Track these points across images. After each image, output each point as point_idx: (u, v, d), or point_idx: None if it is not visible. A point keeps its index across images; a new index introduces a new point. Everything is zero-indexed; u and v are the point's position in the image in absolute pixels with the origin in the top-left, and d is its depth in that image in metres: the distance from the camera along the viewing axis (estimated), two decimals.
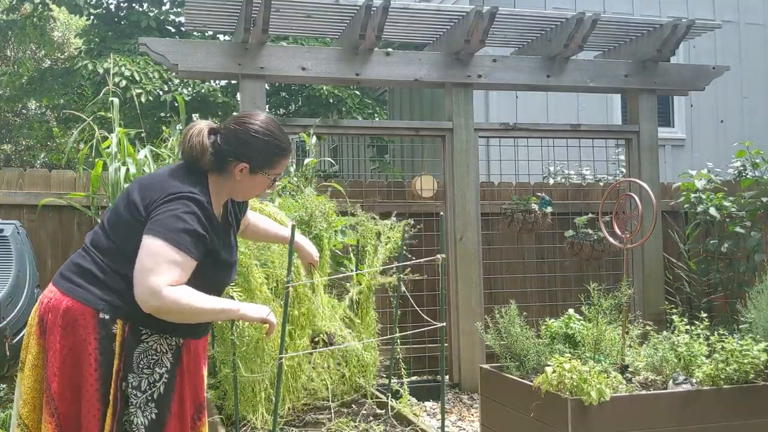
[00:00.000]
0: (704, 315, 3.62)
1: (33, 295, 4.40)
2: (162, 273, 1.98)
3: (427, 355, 5.79)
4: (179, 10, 10.39)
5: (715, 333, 3.44)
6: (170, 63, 4.98)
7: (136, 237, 2.04)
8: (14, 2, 11.42)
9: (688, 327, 3.50)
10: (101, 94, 5.43)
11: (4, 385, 4.44)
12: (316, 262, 2.76)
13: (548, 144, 6.52)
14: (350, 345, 3.65)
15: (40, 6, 11.09)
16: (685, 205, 6.12)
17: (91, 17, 10.55)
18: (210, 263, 2.16)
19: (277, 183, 2.31)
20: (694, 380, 3.27)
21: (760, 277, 4.15)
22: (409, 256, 3.89)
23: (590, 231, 5.69)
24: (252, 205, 2.92)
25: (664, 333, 3.58)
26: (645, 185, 3.83)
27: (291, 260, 2.46)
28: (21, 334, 4.21)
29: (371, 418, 3.66)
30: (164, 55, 4.95)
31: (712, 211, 5.84)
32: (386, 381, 3.84)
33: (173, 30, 10.35)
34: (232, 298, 3.16)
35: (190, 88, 9.74)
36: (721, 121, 9.14)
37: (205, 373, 2.35)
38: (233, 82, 9.47)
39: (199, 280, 2.09)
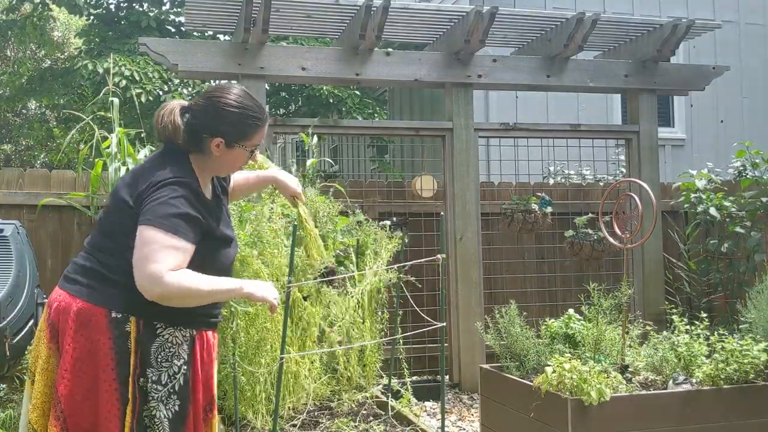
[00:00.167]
0: (704, 315, 3.62)
1: (33, 295, 4.39)
2: (160, 259, 1.98)
3: (427, 355, 5.79)
4: (179, 10, 10.39)
5: (715, 333, 3.44)
6: (170, 63, 4.98)
7: (132, 233, 2.05)
8: (14, 2, 11.43)
9: (688, 327, 3.50)
10: (101, 94, 5.43)
11: (4, 385, 4.44)
12: (299, 194, 2.66)
13: (548, 144, 6.51)
14: (351, 346, 3.65)
15: (40, 6, 11.09)
16: (685, 205, 6.12)
17: (91, 17, 10.55)
18: (210, 243, 2.16)
19: (254, 155, 2.27)
20: (694, 380, 3.27)
21: (760, 277, 4.15)
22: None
23: (590, 231, 5.68)
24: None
25: (664, 333, 3.58)
26: (645, 185, 3.83)
27: (292, 260, 2.46)
28: (21, 334, 4.21)
29: (371, 418, 3.66)
30: (164, 55, 4.95)
31: (712, 211, 5.84)
32: (386, 381, 3.84)
33: (173, 30, 10.35)
34: None
35: (190, 88, 9.74)
36: (721, 121, 9.14)
37: (216, 367, 2.34)
38: (233, 82, 9.47)
39: (204, 262, 2.10)
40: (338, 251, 4.15)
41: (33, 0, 11.01)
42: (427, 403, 5.07)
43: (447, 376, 5.45)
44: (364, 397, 3.81)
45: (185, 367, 2.12)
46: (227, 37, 6.98)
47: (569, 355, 3.28)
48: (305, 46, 6.61)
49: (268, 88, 8.56)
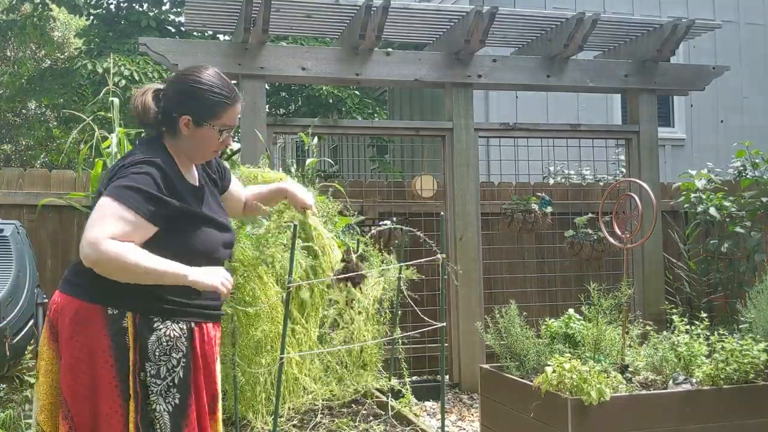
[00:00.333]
0: (704, 315, 3.62)
1: (33, 295, 4.39)
2: (103, 226, 1.98)
3: (427, 355, 5.79)
4: (179, 10, 10.39)
5: (715, 333, 3.44)
6: (170, 63, 4.98)
7: None
8: (14, 2, 11.43)
9: (688, 327, 3.50)
10: (101, 94, 5.42)
11: (4, 385, 4.44)
12: (310, 206, 2.66)
13: (548, 144, 6.51)
14: (351, 346, 3.65)
15: (40, 6, 11.09)
16: (685, 205, 6.12)
17: (91, 17, 10.55)
18: (186, 222, 2.15)
19: (226, 136, 2.23)
20: (694, 380, 3.27)
21: (760, 277, 4.15)
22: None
23: (590, 231, 5.68)
24: (250, 172, 2.93)
25: (664, 333, 3.58)
26: (645, 185, 3.83)
27: (292, 260, 2.46)
28: (21, 334, 4.21)
29: (371, 418, 3.66)
30: (164, 55, 4.95)
31: (712, 211, 5.84)
32: (386, 381, 3.84)
33: (173, 30, 10.35)
34: None
35: None
36: (721, 121, 9.14)
37: (219, 364, 2.34)
38: (233, 82, 9.47)
39: (178, 241, 2.11)
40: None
41: (33, 0, 11.01)
42: (427, 403, 5.07)
43: (447, 376, 5.45)
44: (364, 397, 3.81)
45: (184, 360, 2.12)
46: (227, 37, 6.99)
47: (569, 355, 3.28)
48: (305, 46, 6.61)
49: (268, 88, 8.56)
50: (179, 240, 2.13)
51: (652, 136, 5.95)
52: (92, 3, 10.46)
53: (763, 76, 9.29)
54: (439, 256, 3.12)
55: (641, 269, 5.85)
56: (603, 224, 3.88)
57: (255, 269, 3.33)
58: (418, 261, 3.36)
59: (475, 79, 5.56)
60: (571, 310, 3.71)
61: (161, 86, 2.26)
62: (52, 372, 2.15)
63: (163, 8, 10.58)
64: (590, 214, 5.72)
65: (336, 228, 3.86)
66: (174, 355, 2.10)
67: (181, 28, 10.18)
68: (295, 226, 2.52)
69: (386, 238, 5.28)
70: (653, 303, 5.81)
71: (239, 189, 2.63)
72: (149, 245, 2.08)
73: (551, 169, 7.35)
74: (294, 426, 3.57)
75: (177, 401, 2.09)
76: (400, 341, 3.74)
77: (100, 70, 8.61)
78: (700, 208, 5.95)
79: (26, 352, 4.49)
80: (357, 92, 9.89)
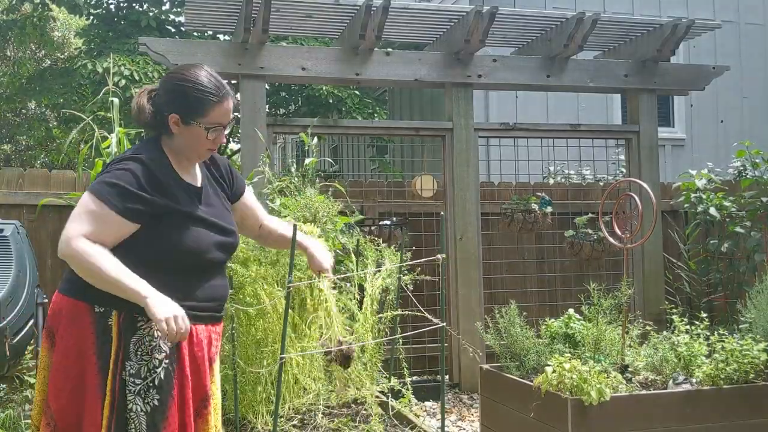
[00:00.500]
0: (704, 315, 3.62)
1: (33, 295, 4.39)
2: (80, 223, 2.03)
3: (427, 355, 5.79)
4: (179, 9, 10.39)
5: (715, 333, 3.44)
6: (170, 63, 4.98)
7: None
8: (14, 2, 11.43)
9: (688, 327, 3.50)
10: (101, 94, 5.42)
11: (4, 385, 4.44)
12: (326, 271, 2.54)
13: (548, 144, 6.51)
14: (351, 345, 3.65)
15: (40, 6, 11.08)
16: (685, 205, 6.12)
17: (91, 17, 10.54)
18: (174, 222, 2.14)
19: (216, 135, 2.21)
20: (694, 380, 3.26)
21: (760, 277, 4.15)
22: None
23: (590, 231, 5.68)
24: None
25: (664, 333, 3.58)
26: (645, 185, 3.83)
27: (292, 260, 2.46)
28: (21, 334, 4.20)
29: (371, 418, 3.66)
30: (164, 55, 4.95)
31: (712, 211, 5.84)
32: (386, 381, 3.84)
33: (173, 30, 10.35)
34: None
35: None
36: (721, 121, 9.14)
37: (218, 365, 2.32)
38: (233, 82, 9.49)
39: (168, 241, 2.11)
40: (337, 251, 4.15)
41: (33, 0, 11.00)
42: (427, 403, 5.07)
43: (447, 376, 5.45)
44: (364, 397, 3.81)
45: (167, 361, 2.09)
46: (227, 37, 6.99)
47: (569, 355, 3.28)
48: (305, 46, 6.60)
49: (268, 88, 8.56)
50: (163, 238, 2.12)
51: (652, 136, 5.95)
52: (92, 3, 10.45)
53: (763, 76, 9.29)
54: (439, 256, 3.12)
55: (641, 269, 5.85)
56: (603, 224, 3.88)
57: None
58: (418, 261, 3.36)
59: (475, 79, 5.56)
60: (571, 310, 3.70)
61: (156, 87, 2.27)
62: (44, 369, 2.17)
63: (163, 8, 10.58)
64: (590, 214, 5.72)
65: (336, 228, 3.86)
66: (156, 355, 2.08)
67: (181, 28, 10.18)
68: (294, 226, 2.51)
69: (386, 238, 5.28)
70: (653, 303, 5.81)
71: (256, 207, 2.56)
72: (131, 242, 2.08)
73: (551, 169, 7.35)
74: (294, 426, 3.57)
75: (156, 403, 2.07)
76: (400, 341, 3.74)
77: (100, 70, 8.61)
78: (700, 208, 5.95)
79: (26, 352, 4.49)
80: (357, 92, 9.88)
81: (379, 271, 3.67)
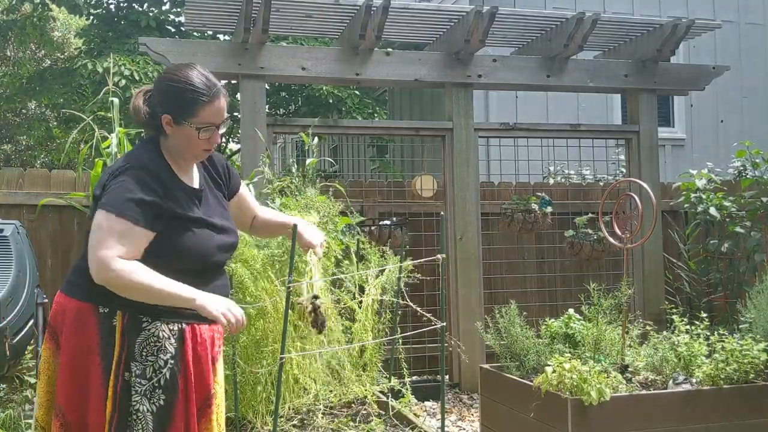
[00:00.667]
0: (704, 315, 3.62)
1: (33, 295, 4.39)
2: (111, 246, 2.01)
3: (427, 355, 5.79)
4: (179, 9, 10.39)
5: (715, 333, 3.44)
6: (170, 63, 4.97)
7: None
8: (14, 2, 11.42)
9: (688, 327, 3.50)
10: (101, 94, 5.42)
11: (4, 385, 4.44)
12: (314, 246, 2.52)
13: (548, 144, 6.51)
14: (351, 345, 3.65)
15: (40, 6, 11.08)
16: (685, 205, 6.12)
17: (91, 17, 10.54)
18: (178, 225, 2.14)
19: (209, 135, 2.19)
20: (694, 380, 3.27)
21: (760, 277, 4.15)
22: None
23: (590, 231, 5.68)
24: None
25: (664, 333, 3.58)
26: (645, 185, 3.83)
27: (292, 260, 2.46)
28: (21, 334, 4.20)
29: (371, 418, 3.66)
30: (164, 55, 4.95)
31: (712, 211, 5.84)
32: (386, 381, 3.84)
33: (173, 30, 10.35)
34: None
35: None
36: (721, 121, 9.14)
37: (221, 364, 2.32)
38: (233, 82, 9.50)
39: (169, 244, 2.10)
40: (338, 251, 4.15)
41: (33, 0, 11.00)
42: (427, 403, 5.07)
43: (447, 376, 5.45)
44: (364, 397, 3.81)
45: (172, 362, 2.10)
46: (227, 37, 6.99)
47: (569, 355, 3.28)
48: (305, 46, 6.61)
49: (268, 88, 8.57)
50: (167, 242, 2.12)
51: (652, 136, 5.95)
52: (92, 3, 10.45)
53: (763, 76, 9.29)
54: (439, 256, 3.12)
55: (641, 269, 5.85)
56: (603, 224, 3.88)
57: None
58: (418, 261, 3.36)
59: (475, 79, 5.56)
60: (571, 310, 3.70)
61: (152, 88, 2.27)
62: (48, 370, 2.17)
63: (163, 8, 10.57)
64: (590, 214, 5.72)
65: (336, 228, 3.86)
66: (161, 356, 2.10)
67: (181, 28, 10.18)
68: (295, 226, 2.51)
69: (386, 238, 5.28)
70: (653, 303, 5.81)
71: (250, 200, 2.58)
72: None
73: (551, 169, 7.35)
74: (294, 426, 3.57)
75: (162, 402, 2.08)
76: (400, 341, 3.74)
77: (100, 70, 8.61)
78: (700, 208, 5.95)
79: (26, 352, 4.49)
80: (357, 92, 9.88)
81: (381, 272, 3.68)
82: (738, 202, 5.90)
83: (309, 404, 3.62)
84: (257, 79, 5.17)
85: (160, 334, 2.10)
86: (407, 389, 3.78)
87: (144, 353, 2.08)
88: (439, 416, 3.64)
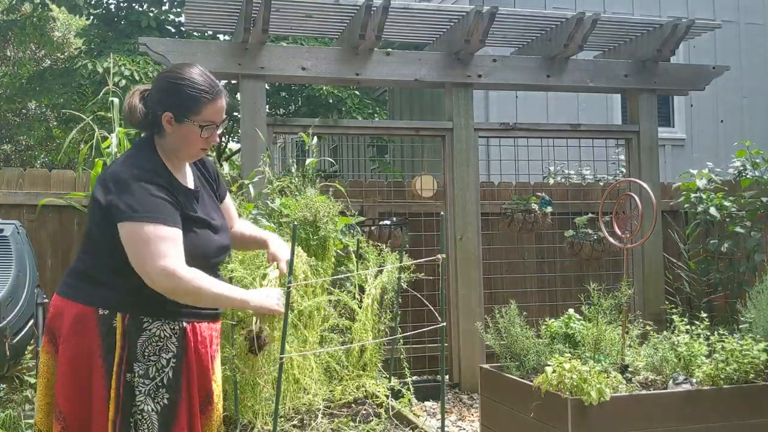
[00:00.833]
0: (704, 315, 3.62)
1: (33, 295, 4.39)
2: (165, 254, 2.02)
3: (427, 355, 5.79)
4: (179, 10, 10.40)
5: (715, 333, 3.44)
6: (170, 63, 4.98)
7: (107, 231, 2.07)
8: (14, 2, 11.42)
9: (688, 327, 3.49)
10: (101, 94, 5.42)
11: (4, 385, 4.44)
12: (279, 260, 2.48)
13: (548, 144, 6.52)
14: (351, 345, 3.65)
15: (40, 6, 11.08)
16: (685, 205, 6.12)
17: (91, 17, 10.55)
18: (185, 226, 2.14)
19: (210, 133, 2.20)
20: (694, 380, 3.26)
21: (760, 277, 4.15)
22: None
23: (590, 231, 5.69)
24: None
25: (664, 333, 3.58)
26: (645, 185, 3.83)
27: (292, 260, 2.45)
28: (21, 334, 4.20)
29: (371, 418, 3.66)
30: (164, 55, 4.95)
31: (712, 210, 5.84)
32: (386, 381, 3.84)
33: (173, 30, 10.36)
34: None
35: None
36: (721, 121, 9.14)
37: (218, 362, 2.33)
38: (233, 82, 9.50)
39: (184, 249, 2.09)
40: (337, 250, 4.15)
41: (33, 0, 11.00)
42: (427, 403, 5.07)
43: (447, 376, 5.45)
44: (364, 397, 3.81)
45: (174, 361, 2.11)
46: (227, 37, 6.99)
47: (569, 355, 3.28)
48: (305, 46, 6.61)
49: (268, 88, 8.57)
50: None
51: (652, 136, 5.95)
52: (92, 3, 10.45)
53: (763, 76, 9.29)
54: (439, 256, 3.12)
55: (641, 269, 5.86)
56: (603, 224, 3.88)
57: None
58: (418, 261, 3.36)
59: (475, 79, 5.56)
60: (571, 310, 3.70)
61: (148, 87, 2.26)
62: (47, 373, 2.17)
63: (163, 8, 10.58)
64: (590, 214, 5.72)
65: (337, 228, 3.86)
66: (164, 355, 2.10)
67: (181, 28, 10.18)
68: (294, 225, 2.51)
69: (386, 238, 5.28)
70: (653, 303, 5.81)
71: (233, 212, 2.58)
72: None
73: (551, 169, 7.35)
74: (294, 426, 3.57)
75: (166, 401, 2.09)
76: (400, 341, 3.74)
77: (100, 70, 8.61)
78: (700, 208, 5.95)
79: (26, 352, 4.49)
80: (357, 92, 9.89)
81: (379, 271, 3.68)
82: (738, 202, 5.90)
83: (309, 404, 3.61)
84: (257, 79, 5.17)
85: (162, 334, 2.10)
86: (408, 389, 3.77)
87: (146, 353, 2.09)
88: (439, 416, 3.64)
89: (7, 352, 4.00)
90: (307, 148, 5.04)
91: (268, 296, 2.25)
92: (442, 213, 3.37)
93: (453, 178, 5.52)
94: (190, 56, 4.97)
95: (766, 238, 5.69)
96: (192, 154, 2.26)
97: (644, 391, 3.22)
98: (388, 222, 5.55)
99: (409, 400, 3.80)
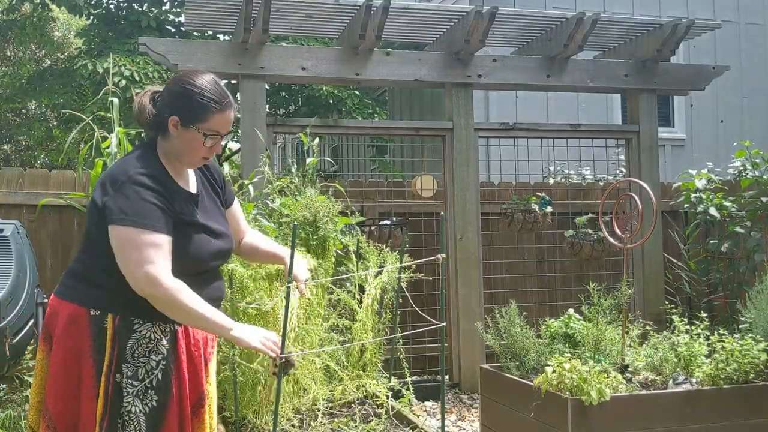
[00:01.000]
0: (704, 315, 3.62)
1: (33, 295, 4.39)
2: (152, 259, 2.02)
3: (427, 355, 5.79)
4: (179, 10, 10.39)
5: (715, 333, 3.44)
6: (170, 63, 4.98)
7: (105, 232, 2.08)
8: (14, 2, 11.42)
9: (688, 327, 3.50)
10: (101, 94, 5.43)
11: (4, 385, 4.44)
12: (300, 281, 2.50)
13: (548, 144, 6.52)
14: (351, 344, 3.65)
15: (40, 6, 11.08)
16: (685, 205, 6.12)
17: (91, 17, 10.54)
18: (179, 230, 2.14)
19: (213, 143, 2.20)
20: (694, 380, 3.27)
21: (760, 277, 4.15)
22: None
23: (590, 231, 5.68)
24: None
25: (664, 333, 3.58)
26: (645, 185, 3.83)
27: (292, 260, 2.45)
28: (21, 334, 4.20)
29: (371, 418, 3.66)
30: (164, 55, 4.95)
31: (712, 211, 5.84)
32: (386, 381, 3.84)
33: (173, 30, 10.35)
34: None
35: None
36: (721, 121, 9.14)
37: (213, 365, 2.33)
38: (233, 82, 9.50)
39: (173, 250, 2.10)
40: (337, 251, 4.16)
41: (33, 0, 11.00)
42: (427, 403, 5.07)
43: (447, 376, 5.45)
44: (364, 397, 3.81)
45: (164, 363, 2.11)
46: (227, 37, 6.99)
47: (569, 355, 3.28)
48: (305, 46, 6.61)
49: (268, 88, 8.57)
50: (176, 250, 2.12)
51: (652, 136, 5.95)
52: (92, 3, 10.44)
53: (763, 76, 9.29)
54: (439, 256, 3.12)
55: (641, 269, 5.86)
56: (603, 224, 3.88)
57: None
58: (418, 261, 3.36)
59: (475, 79, 5.56)
60: (571, 310, 3.70)
61: (161, 89, 2.28)
62: (41, 372, 2.18)
63: (163, 8, 10.57)
64: (590, 214, 5.72)
65: (336, 228, 3.86)
66: (153, 357, 2.10)
67: (181, 28, 10.18)
68: (294, 225, 2.51)
69: (386, 238, 5.28)
70: (653, 303, 5.81)
71: (241, 220, 2.57)
72: None
73: (551, 169, 7.35)
74: (294, 426, 3.57)
75: (155, 403, 2.09)
76: (400, 341, 3.74)
77: (100, 70, 8.61)
78: (700, 208, 5.95)
79: (26, 352, 4.49)
80: (357, 92, 9.88)
81: (380, 271, 3.68)
82: (738, 202, 5.90)
83: (309, 404, 3.62)
84: (257, 79, 5.17)
85: (152, 336, 2.11)
86: (408, 389, 3.78)
87: (136, 355, 2.09)
88: (439, 416, 3.64)
89: (7, 352, 4.00)
90: (306, 148, 5.04)
91: (254, 333, 2.19)
92: (442, 213, 3.37)
93: (453, 178, 5.52)
94: (190, 56, 4.97)
95: (766, 238, 5.69)
96: (193, 161, 2.27)
97: (644, 391, 3.22)
98: (388, 222, 5.55)
99: (409, 400, 3.80)
